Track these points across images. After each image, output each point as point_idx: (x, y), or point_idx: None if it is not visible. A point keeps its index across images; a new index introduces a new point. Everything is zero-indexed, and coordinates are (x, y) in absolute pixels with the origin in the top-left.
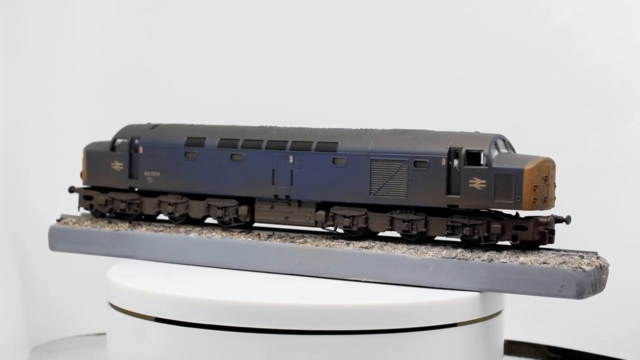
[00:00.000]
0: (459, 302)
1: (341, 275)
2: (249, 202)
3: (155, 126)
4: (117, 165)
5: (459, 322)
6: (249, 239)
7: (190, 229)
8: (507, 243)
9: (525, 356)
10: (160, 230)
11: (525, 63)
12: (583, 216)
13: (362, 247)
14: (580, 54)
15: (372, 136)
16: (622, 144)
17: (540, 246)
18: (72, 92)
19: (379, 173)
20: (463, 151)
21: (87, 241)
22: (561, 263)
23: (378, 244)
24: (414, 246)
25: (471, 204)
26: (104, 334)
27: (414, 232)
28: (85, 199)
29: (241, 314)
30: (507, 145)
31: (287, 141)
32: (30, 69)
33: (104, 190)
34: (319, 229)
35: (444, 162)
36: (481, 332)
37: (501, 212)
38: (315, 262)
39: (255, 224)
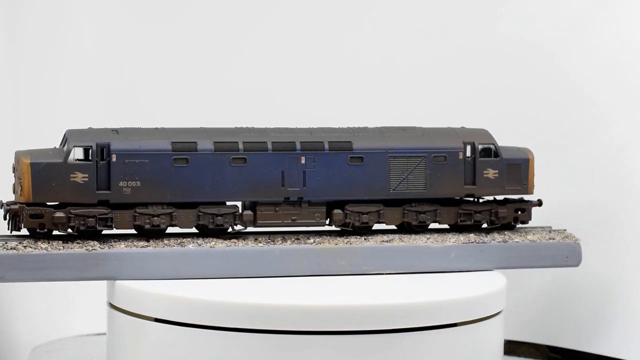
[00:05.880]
0: (458, 302)
1: (364, 271)
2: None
3: (115, 130)
4: (80, 177)
5: (459, 322)
6: (261, 245)
7: (184, 240)
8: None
9: (525, 356)
10: (146, 246)
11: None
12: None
13: (382, 240)
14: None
15: (380, 134)
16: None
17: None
18: None
19: (398, 169)
20: (477, 145)
21: (49, 266)
22: (564, 237)
23: (396, 236)
24: (429, 235)
25: (486, 192)
26: (104, 334)
27: (428, 222)
28: (33, 217)
29: (242, 314)
30: None
31: (295, 142)
32: None
33: (52, 206)
34: (316, 228)
35: (461, 156)
36: (481, 332)
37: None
38: (336, 261)
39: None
